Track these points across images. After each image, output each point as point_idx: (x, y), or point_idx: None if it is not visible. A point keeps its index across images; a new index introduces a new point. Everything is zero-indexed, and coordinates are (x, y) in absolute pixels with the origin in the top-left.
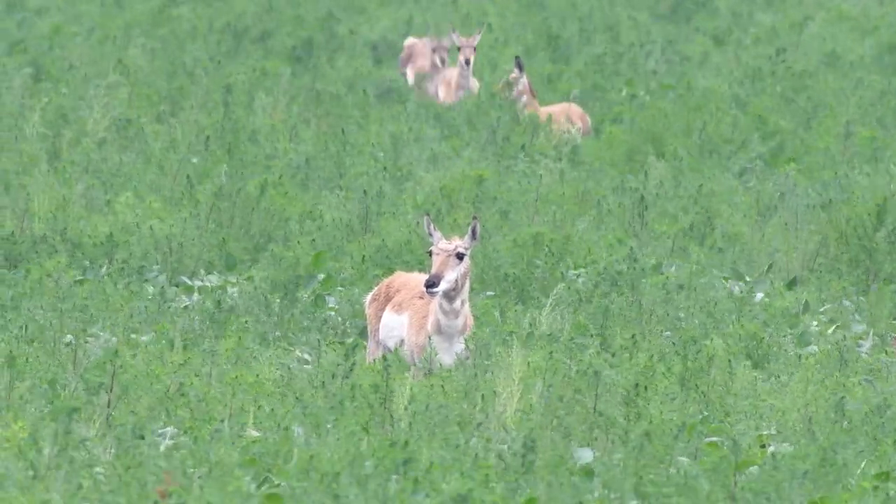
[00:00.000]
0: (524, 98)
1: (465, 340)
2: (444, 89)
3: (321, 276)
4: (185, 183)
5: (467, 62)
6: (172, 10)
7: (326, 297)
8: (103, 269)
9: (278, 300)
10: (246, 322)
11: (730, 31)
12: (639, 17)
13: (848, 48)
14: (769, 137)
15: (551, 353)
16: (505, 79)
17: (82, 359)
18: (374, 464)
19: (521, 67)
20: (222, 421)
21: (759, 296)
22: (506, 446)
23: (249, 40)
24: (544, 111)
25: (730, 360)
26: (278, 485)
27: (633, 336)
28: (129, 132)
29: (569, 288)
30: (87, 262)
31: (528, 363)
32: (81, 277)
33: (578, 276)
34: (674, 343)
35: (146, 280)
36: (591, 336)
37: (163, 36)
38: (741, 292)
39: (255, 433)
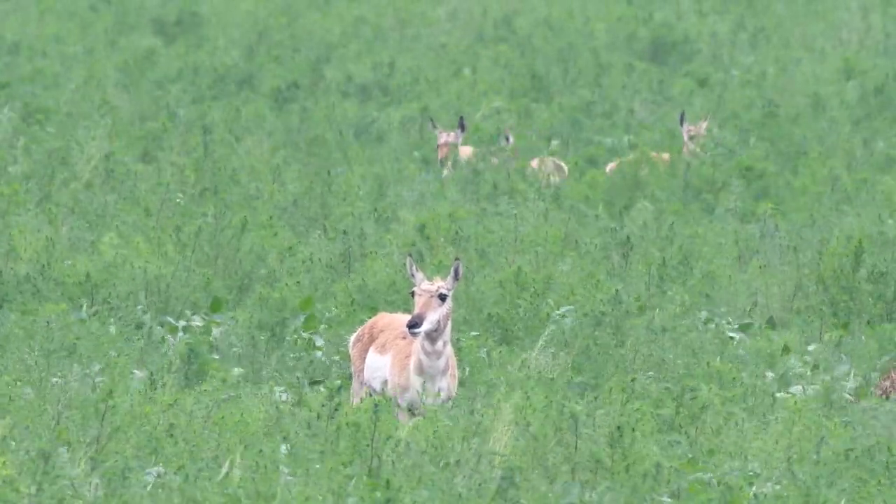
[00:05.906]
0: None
1: (459, 382)
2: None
3: (304, 318)
4: (171, 223)
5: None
6: (159, 54)
7: (311, 337)
8: (84, 309)
9: (263, 340)
10: (238, 362)
11: (713, 73)
12: (624, 60)
13: (832, 90)
14: (751, 180)
15: (527, 395)
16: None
17: (65, 398)
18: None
19: (462, 128)
20: (214, 458)
21: (740, 336)
22: (488, 484)
23: (234, 82)
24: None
25: (723, 404)
26: None
27: (608, 383)
28: (111, 171)
29: (552, 330)
30: (70, 302)
31: (513, 404)
32: (66, 318)
33: (563, 315)
34: (657, 382)
35: (126, 323)
36: (571, 379)
37: (148, 77)
38: (723, 334)
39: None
